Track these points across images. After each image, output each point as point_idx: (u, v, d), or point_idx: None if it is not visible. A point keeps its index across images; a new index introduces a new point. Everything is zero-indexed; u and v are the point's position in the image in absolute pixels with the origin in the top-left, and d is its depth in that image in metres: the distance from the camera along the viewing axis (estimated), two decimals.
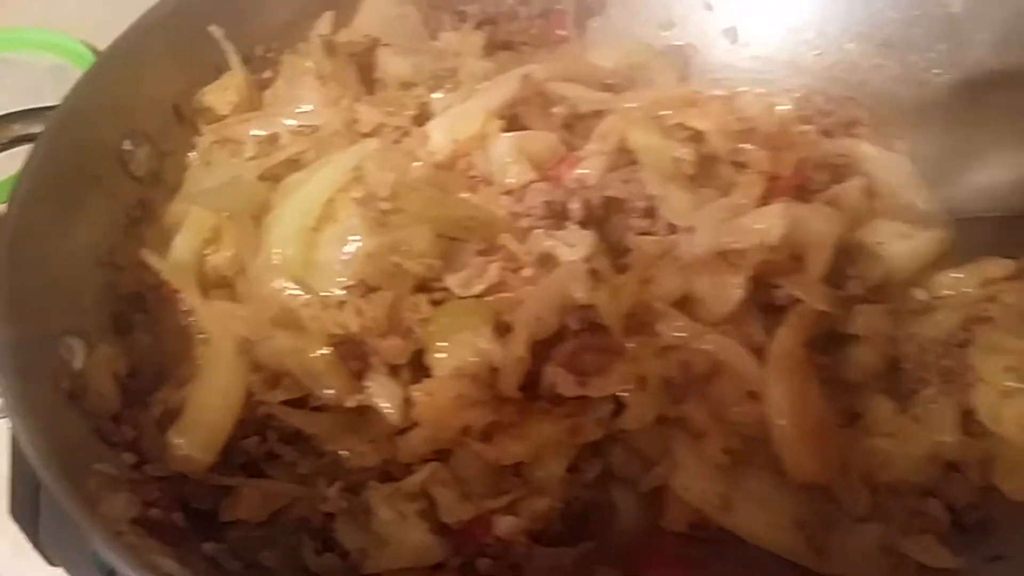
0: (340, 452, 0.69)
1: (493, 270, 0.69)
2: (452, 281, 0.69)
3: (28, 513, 0.72)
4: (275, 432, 0.71)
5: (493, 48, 0.98)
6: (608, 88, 0.89)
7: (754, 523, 0.68)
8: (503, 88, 0.76)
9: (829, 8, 0.96)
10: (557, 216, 0.72)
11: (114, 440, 0.69)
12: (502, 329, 0.69)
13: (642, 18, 1.04)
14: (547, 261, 0.70)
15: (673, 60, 0.99)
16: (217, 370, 0.71)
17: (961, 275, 0.79)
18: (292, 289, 0.71)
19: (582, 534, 0.70)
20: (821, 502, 0.69)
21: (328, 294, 0.71)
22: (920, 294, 0.79)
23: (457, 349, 0.68)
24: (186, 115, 0.87)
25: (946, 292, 0.79)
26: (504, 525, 0.65)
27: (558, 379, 0.67)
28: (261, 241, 0.74)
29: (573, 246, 0.69)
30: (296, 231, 0.72)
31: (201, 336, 0.74)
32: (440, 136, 0.74)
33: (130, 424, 0.70)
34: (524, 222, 0.72)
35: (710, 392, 0.69)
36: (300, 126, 0.82)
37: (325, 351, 0.69)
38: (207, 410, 0.70)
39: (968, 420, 0.72)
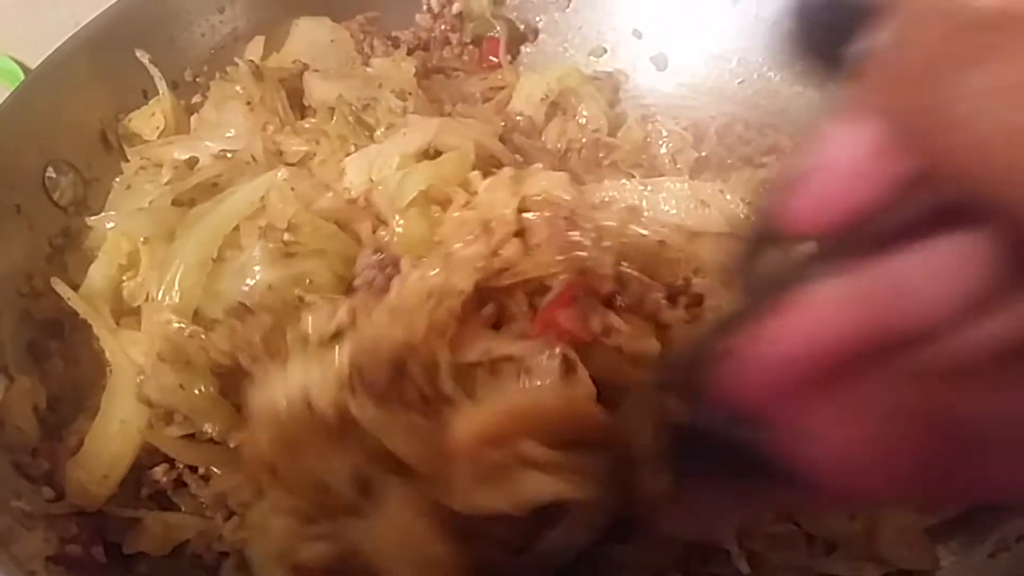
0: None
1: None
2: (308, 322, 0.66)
3: None
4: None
5: (426, 73, 0.99)
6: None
7: None
8: (421, 133, 0.76)
9: (751, 37, 0.98)
10: None
11: (32, 474, 0.68)
12: None
13: (574, 45, 1.06)
14: None
15: (603, 86, 1.01)
16: (117, 402, 0.70)
17: None
18: (178, 322, 0.69)
19: None
20: None
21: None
22: None
23: None
24: (113, 142, 0.86)
25: None
26: None
27: None
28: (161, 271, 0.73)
29: None
30: (197, 262, 0.71)
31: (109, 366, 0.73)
32: (355, 174, 0.75)
33: (46, 457, 0.69)
34: None
35: None
36: (222, 151, 0.81)
37: (205, 388, 0.68)
38: (105, 442, 0.69)
39: None
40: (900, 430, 0.28)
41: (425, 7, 1.04)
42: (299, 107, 0.91)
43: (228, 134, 0.84)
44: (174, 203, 0.77)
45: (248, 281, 0.70)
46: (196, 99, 0.92)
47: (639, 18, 1.02)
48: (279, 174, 0.73)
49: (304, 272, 0.70)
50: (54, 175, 0.81)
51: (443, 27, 1.03)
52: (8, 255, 0.76)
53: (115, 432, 0.70)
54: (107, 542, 0.66)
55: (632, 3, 1.03)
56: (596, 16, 1.05)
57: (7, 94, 1.10)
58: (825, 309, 0.30)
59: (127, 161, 0.86)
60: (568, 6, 1.05)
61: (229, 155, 0.81)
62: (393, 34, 1.02)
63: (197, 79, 0.92)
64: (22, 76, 1.09)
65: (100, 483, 0.68)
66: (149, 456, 0.71)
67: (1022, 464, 0.27)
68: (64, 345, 0.77)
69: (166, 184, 0.78)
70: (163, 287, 0.70)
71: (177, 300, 0.70)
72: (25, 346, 0.74)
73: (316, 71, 0.90)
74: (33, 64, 1.10)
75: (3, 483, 0.65)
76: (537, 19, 1.06)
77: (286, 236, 0.70)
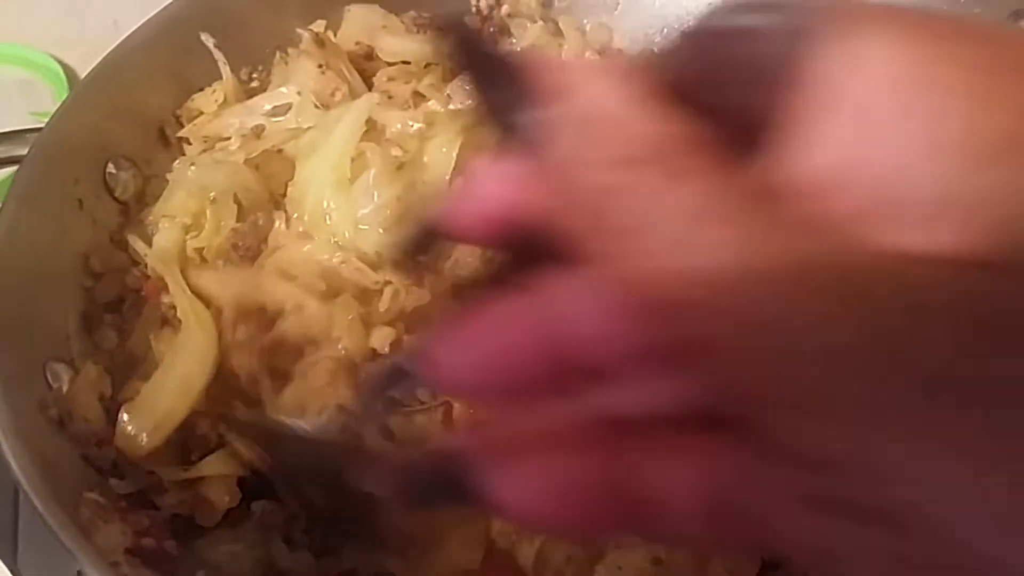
0: None
1: None
2: None
3: (6, 537, 0.73)
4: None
5: None
6: None
7: None
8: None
9: None
10: None
11: (101, 466, 0.68)
12: None
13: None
14: None
15: None
16: (181, 359, 0.71)
17: None
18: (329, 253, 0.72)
19: None
20: None
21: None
22: None
23: None
24: (171, 139, 0.87)
25: None
26: None
27: None
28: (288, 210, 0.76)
29: None
30: (335, 183, 0.73)
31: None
32: None
33: (109, 442, 0.69)
34: None
35: None
36: (284, 118, 0.83)
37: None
38: (162, 395, 0.69)
39: None
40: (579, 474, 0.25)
41: (474, 9, 1.04)
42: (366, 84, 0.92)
43: (290, 90, 0.85)
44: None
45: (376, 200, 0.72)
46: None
47: (689, 20, 1.02)
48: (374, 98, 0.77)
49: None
50: (114, 171, 0.82)
51: (492, 29, 1.04)
52: (72, 251, 0.77)
53: (173, 388, 0.70)
54: (180, 536, 0.67)
55: (681, 5, 1.03)
56: (644, 19, 1.05)
57: (49, 92, 1.12)
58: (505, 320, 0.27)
59: (184, 156, 0.87)
60: (617, 8, 1.05)
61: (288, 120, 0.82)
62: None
63: (253, 75, 0.93)
64: (63, 74, 1.10)
65: (150, 434, 0.68)
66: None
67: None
68: (121, 319, 0.77)
69: (236, 150, 0.80)
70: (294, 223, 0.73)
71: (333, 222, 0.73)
72: (86, 330, 0.75)
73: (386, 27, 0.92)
74: (73, 62, 1.11)
75: (77, 476, 0.65)
76: (584, 22, 1.06)
77: (394, 151, 0.72)
